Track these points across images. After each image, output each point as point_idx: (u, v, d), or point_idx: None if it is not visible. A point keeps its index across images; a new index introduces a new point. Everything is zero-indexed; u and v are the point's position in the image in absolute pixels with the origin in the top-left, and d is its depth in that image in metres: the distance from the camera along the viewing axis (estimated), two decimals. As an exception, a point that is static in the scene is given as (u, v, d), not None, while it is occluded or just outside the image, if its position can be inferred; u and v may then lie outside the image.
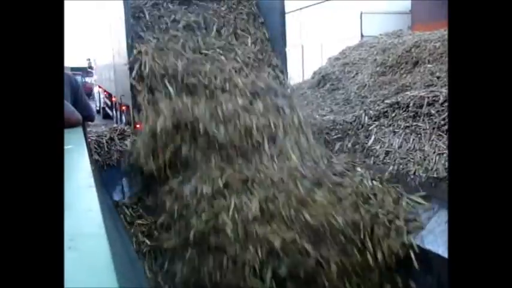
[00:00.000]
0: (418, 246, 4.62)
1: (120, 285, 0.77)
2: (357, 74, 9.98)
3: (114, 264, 0.88)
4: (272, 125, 5.21)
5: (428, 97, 5.73)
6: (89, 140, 5.69)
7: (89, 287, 0.80)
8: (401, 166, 5.33)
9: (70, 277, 0.85)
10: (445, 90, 5.71)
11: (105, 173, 5.46)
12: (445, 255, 4.30)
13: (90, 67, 16.19)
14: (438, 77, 7.38)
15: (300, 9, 19.41)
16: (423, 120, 5.59)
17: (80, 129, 3.05)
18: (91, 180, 1.57)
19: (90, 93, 15.41)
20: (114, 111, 9.87)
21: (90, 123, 7.09)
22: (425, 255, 4.55)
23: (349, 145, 6.35)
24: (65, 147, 2.28)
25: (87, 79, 19.23)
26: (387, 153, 5.69)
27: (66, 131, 2.83)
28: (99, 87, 13.11)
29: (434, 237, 4.53)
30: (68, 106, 3.14)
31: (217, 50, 6.22)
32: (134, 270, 3.67)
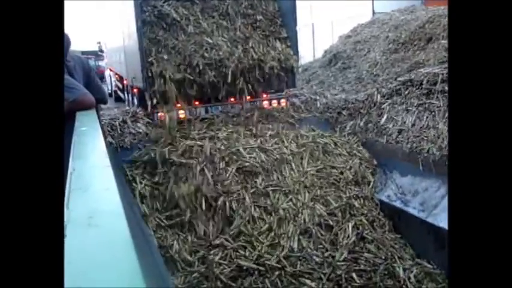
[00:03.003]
0: (432, 224, 4.63)
1: (138, 259, 0.79)
2: (368, 51, 9.86)
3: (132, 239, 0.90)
4: None
5: (442, 74, 5.65)
6: (102, 122, 5.74)
7: (110, 261, 0.83)
8: (414, 144, 5.29)
9: (91, 252, 0.88)
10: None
11: (119, 155, 5.52)
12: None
13: (101, 50, 16.15)
14: (452, 53, 7.25)
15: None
16: (437, 97, 5.52)
17: (93, 112, 3.07)
18: (107, 160, 1.59)
19: (102, 77, 15.43)
20: (125, 94, 9.86)
21: (102, 106, 7.15)
22: (438, 232, 4.56)
23: (362, 124, 6.32)
24: (80, 129, 2.31)
25: (100, 63, 19.19)
26: (400, 131, 5.65)
27: (80, 113, 2.87)
28: (110, 70, 13.10)
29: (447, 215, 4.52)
30: (82, 89, 3.16)
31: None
32: (147, 242, 3.79)
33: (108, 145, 5.44)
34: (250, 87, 6.45)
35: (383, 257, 4.56)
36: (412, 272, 4.41)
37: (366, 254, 4.57)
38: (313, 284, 4.23)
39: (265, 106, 6.69)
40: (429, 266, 4.58)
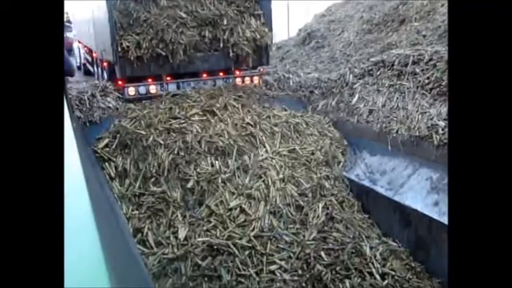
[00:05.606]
0: (398, 202, 4.75)
1: (100, 231, 0.77)
2: (342, 31, 9.86)
3: (94, 214, 0.88)
4: None
5: (413, 56, 5.70)
6: (70, 96, 5.57)
7: (68, 237, 0.80)
8: (384, 124, 5.37)
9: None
10: (430, 49, 5.69)
11: (88, 130, 5.38)
12: (423, 211, 4.42)
13: (69, 21, 15.56)
14: (424, 36, 7.33)
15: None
16: (407, 79, 5.59)
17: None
18: (70, 133, 1.54)
19: (70, 49, 14.89)
20: (95, 67, 9.57)
21: (70, 78, 6.91)
22: (403, 211, 4.68)
23: (333, 103, 6.35)
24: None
25: (68, 34, 18.54)
26: (371, 111, 5.71)
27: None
28: (79, 42, 12.67)
29: (414, 194, 4.64)
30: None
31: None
32: (114, 215, 3.75)
33: (76, 119, 5.29)
34: (223, 63, 6.38)
35: (351, 236, 4.66)
36: (378, 250, 4.53)
37: (334, 234, 4.66)
38: (282, 263, 4.29)
39: (238, 83, 6.63)
40: (394, 244, 4.71)
